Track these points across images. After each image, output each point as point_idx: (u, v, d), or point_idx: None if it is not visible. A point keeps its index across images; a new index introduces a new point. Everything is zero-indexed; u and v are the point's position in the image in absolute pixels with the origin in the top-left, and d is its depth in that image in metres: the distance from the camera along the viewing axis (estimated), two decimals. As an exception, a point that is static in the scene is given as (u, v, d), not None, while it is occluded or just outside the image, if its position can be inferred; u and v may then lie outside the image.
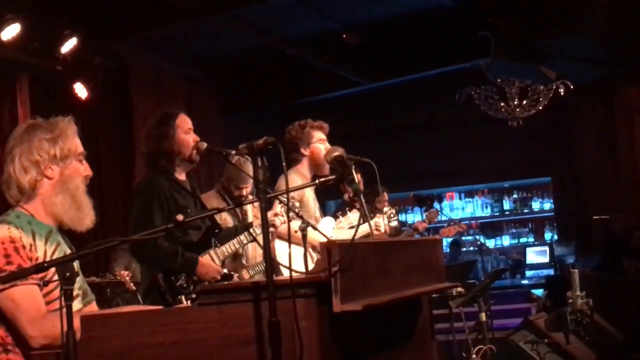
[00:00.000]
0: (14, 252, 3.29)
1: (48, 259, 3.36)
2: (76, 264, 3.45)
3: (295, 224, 5.22)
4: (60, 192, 3.50)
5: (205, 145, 5.20)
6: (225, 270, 5.20)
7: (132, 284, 6.64)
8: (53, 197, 3.49)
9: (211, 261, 5.07)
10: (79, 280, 3.55)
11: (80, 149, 3.59)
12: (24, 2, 8.19)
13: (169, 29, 9.53)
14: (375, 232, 6.10)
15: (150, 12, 8.72)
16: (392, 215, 6.40)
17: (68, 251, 3.49)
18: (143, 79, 10.50)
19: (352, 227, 6.05)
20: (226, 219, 6.11)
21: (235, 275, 5.44)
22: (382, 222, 6.23)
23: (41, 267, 2.96)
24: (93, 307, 3.70)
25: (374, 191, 7.48)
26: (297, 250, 5.26)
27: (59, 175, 3.51)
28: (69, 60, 8.95)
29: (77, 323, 2.83)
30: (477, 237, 13.85)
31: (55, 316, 3.08)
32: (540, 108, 10.80)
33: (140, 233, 4.55)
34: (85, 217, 3.54)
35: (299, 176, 5.96)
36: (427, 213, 9.17)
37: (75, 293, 3.37)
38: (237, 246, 5.30)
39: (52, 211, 3.50)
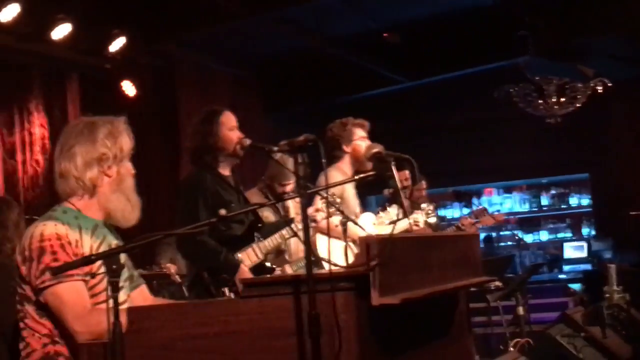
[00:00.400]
0: (60, 249, 3.33)
1: (95, 252, 3.40)
2: (123, 256, 3.57)
3: (336, 219, 5.28)
4: (117, 191, 3.56)
5: (248, 141, 5.28)
6: (268, 264, 5.30)
7: (177, 276, 6.76)
8: (110, 195, 3.55)
9: (249, 272, 5.14)
10: (125, 271, 3.65)
11: (130, 150, 3.65)
12: (75, 3, 8.35)
13: (214, 29, 9.62)
14: (414, 227, 6.16)
15: (196, 13, 8.83)
16: (429, 212, 6.42)
17: (114, 244, 3.53)
18: (189, 77, 10.60)
19: (392, 223, 6.10)
20: (268, 217, 6.19)
21: (278, 270, 5.51)
22: (421, 218, 6.26)
23: (88, 260, 3.04)
24: (142, 290, 3.76)
25: (416, 180, 7.53)
26: (338, 245, 5.32)
27: (116, 174, 3.57)
28: (117, 59, 9.12)
29: (123, 317, 2.89)
30: (515, 232, 13.83)
31: (100, 312, 3.14)
32: (578, 105, 10.78)
33: (185, 226, 4.69)
34: (134, 215, 3.60)
35: (339, 173, 6.03)
36: (474, 210, 9.14)
37: (120, 284, 3.45)
38: (279, 241, 5.33)
39: (107, 207, 3.55)
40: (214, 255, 5.01)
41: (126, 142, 3.60)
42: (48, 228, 3.37)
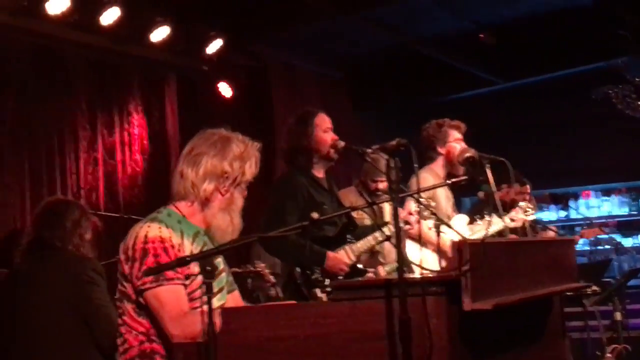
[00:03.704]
0: (162, 252, 3.38)
1: None
2: (222, 260, 3.64)
3: (429, 222, 5.27)
4: (225, 210, 3.61)
5: (342, 143, 5.31)
6: (360, 266, 5.31)
7: (271, 276, 6.81)
8: (217, 212, 3.59)
9: (339, 255, 5.17)
10: (224, 276, 3.69)
11: (252, 176, 3.68)
12: (172, 6, 8.51)
13: (304, 29, 9.68)
14: (511, 224, 6.09)
15: (287, 13, 8.89)
16: (528, 210, 6.34)
17: None
18: (281, 78, 10.67)
19: (483, 225, 6.05)
20: (363, 215, 6.21)
21: (371, 271, 5.51)
22: (519, 216, 6.19)
23: (183, 261, 3.11)
24: (235, 295, 3.81)
25: (521, 182, 7.45)
26: (430, 249, 5.31)
27: (230, 195, 3.62)
28: (214, 61, 9.26)
29: (217, 319, 2.95)
30: (613, 236, 13.52)
31: (195, 314, 3.22)
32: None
33: (271, 226, 4.74)
34: (232, 236, 3.61)
35: (431, 175, 5.99)
36: (585, 228, 8.95)
37: (216, 289, 3.48)
38: (372, 243, 5.33)
39: (211, 222, 3.60)
40: (299, 248, 5.04)
41: (251, 169, 3.65)
42: (152, 230, 3.44)
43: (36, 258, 4.35)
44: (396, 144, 2.99)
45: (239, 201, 3.65)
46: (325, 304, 3.40)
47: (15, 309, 4.26)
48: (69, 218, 4.39)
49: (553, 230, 7.74)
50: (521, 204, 6.42)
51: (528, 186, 7.96)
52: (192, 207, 3.61)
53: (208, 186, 3.58)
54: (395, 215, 2.91)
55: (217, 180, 3.58)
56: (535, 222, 8.20)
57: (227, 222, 3.60)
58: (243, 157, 3.61)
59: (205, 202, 3.60)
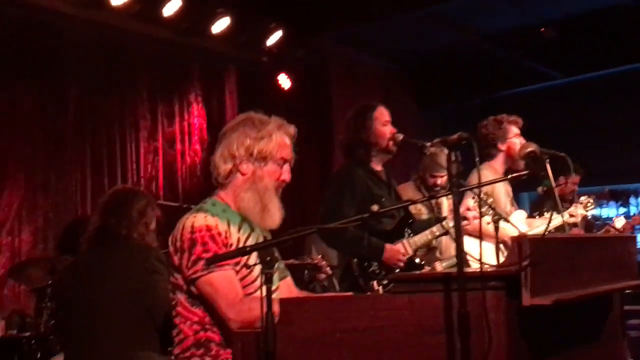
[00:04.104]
0: (210, 240, 3.40)
1: (241, 245, 3.47)
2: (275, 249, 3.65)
3: (487, 218, 5.24)
4: (249, 190, 3.57)
5: (401, 136, 5.31)
6: (417, 260, 5.31)
7: (327, 267, 6.83)
8: (242, 193, 3.58)
9: (396, 247, 5.17)
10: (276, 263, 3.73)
11: (282, 154, 3.62)
12: (233, -2, 8.60)
13: (365, 24, 9.68)
14: (570, 219, 6.02)
15: (348, 8, 8.90)
16: (589, 204, 6.27)
17: (262, 238, 3.57)
18: (341, 72, 10.68)
19: (544, 220, 6.00)
20: (421, 210, 6.20)
21: (428, 267, 5.51)
22: (578, 211, 6.13)
23: (243, 251, 3.13)
24: (288, 282, 3.82)
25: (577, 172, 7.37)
26: (488, 245, 5.28)
27: (252, 173, 3.57)
28: (274, 53, 9.32)
29: (275, 307, 2.93)
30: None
31: (252, 300, 3.27)
32: None
33: (329, 218, 4.76)
34: (269, 219, 3.59)
35: (490, 171, 5.94)
36: (635, 216, 8.82)
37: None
38: (429, 237, 5.32)
39: (239, 205, 3.58)
40: (357, 241, 5.07)
41: (272, 145, 3.59)
42: (198, 220, 3.45)
43: (101, 246, 4.40)
44: (457, 138, 2.96)
45: (265, 180, 3.58)
46: (383, 296, 3.39)
47: (80, 296, 4.32)
48: (134, 207, 4.44)
49: (616, 229, 7.61)
50: (582, 198, 6.35)
51: (574, 175, 7.83)
52: (229, 195, 3.62)
53: (226, 167, 3.59)
54: (456, 209, 2.89)
55: (232, 159, 3.58)
56: (595, 218, 8.10)
57: (254, 202, 3.57)
58: (259, 133, 3.57)
59: (228, 184, 3.61)
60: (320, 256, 7.22)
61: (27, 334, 5.91)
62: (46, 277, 5.57)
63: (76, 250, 4.93)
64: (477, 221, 5.46)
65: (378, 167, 5.40)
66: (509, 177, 5.12)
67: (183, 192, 8.89)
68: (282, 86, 9.71)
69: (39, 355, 5.47)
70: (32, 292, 6.21)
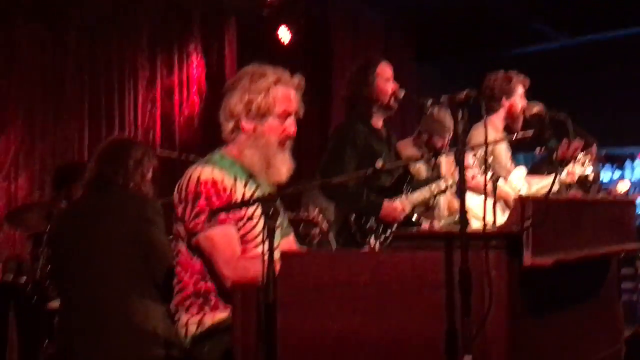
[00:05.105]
0: (214, 195, 3.39)
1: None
2: (280, 203, 3.64)
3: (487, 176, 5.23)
4: (252, 147, 3.54)
5: (403, 93, 5.30)
6: (415, 215, 5.32)
7: (325, 223, 6.85)
8: (245, 149, 3.56)
9: (394, 204, 5.18)
10: (280, 218, 3.72)
11: (284, 108, 3.57)
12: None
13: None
14: (568, 179, 6.03)
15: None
16: (585, 163, 6.26)
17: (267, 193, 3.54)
18: (343, 25, 10.60)
19: (544, 180, 6.01)
20: (420, 170, 6.20)
21: (425, 223, 5.52)
22: (577, 170, 6.12)
23: (246, 203, 3.13)
24: (290, 239, 3.84)
25: (587, 140, 7.34)
26: (478, 201, 5.30)
27: (253, 130, 3.54)
28: (274, 5, 9.24)
29: (276, 266, 2.91)
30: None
31: (249, 259, 3.30)
32: None
33: (330, 172, 4.75)
34: (275, 174, 3.56)
35: (491, 127, 5.89)
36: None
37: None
38: (427, 195, 5.33)
39: (243, 162, 3.57)
40: (357, 197, 5.07)
41: (270, 99, 3.54)
42: (205, 172, 3.44)
43: (97, 194, 4.39)
44: (465, 96, 2.94)
45: (267, 136, 3.55)
46: (385, 252, 3.39)
47: (74, 242, 4.31)
48: (132, 156, 4.41)
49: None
50: (579, 156, 6.34)
51: (594, 145, 7.83)
52: (234, 150, 3.61)
53: (229, 125, 3.58)
54: (461, 168, 2.88)
55: (232, 118, 3.56)
56: (589, 179, 8.06)
57: (257, 158, 3.55)
58: (255, 88, 3.53)
59: (234, 141, 3.59)
60: (317, 211, 7.24)
61: (24, 279, 5.93)
62: (43, 222, 5.55)
63: (70, 197, 4.91)
64: (475, 180, 5.48)
65: (378, 123, 5.39)
66: (514, 137, 5.10)
67: (180, 142, 8.85)
68: (282, 39, 9.64)
69: (35, 300, 5.48)
70: (29, 237, 6.20)
